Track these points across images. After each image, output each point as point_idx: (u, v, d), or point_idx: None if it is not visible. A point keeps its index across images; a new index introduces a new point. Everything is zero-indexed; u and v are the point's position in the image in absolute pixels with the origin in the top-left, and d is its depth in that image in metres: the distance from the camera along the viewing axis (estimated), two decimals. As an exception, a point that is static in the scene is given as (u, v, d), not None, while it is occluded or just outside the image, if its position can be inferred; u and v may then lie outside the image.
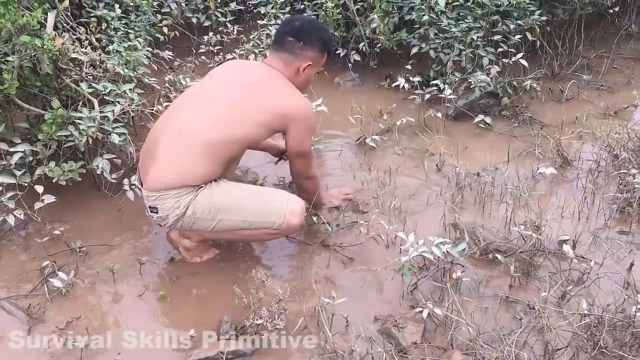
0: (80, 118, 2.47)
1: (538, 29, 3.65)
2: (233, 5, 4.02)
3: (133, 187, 2.50)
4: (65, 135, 2.46)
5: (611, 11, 4.09)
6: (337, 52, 3.91)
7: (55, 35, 2.59)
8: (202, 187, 2.14)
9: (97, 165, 2.51)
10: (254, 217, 2.16)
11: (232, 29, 3.91)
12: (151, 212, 2.17)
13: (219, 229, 2.17)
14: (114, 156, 2.58)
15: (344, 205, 2.66)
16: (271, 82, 2.26)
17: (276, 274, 2.27)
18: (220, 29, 3.98)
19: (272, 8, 3.85)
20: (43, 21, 2.64)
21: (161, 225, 2.25)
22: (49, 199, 2.32)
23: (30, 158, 2.44)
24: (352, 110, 3.30)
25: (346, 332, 2.01)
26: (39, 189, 2.31)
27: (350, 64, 3.87)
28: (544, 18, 3.64)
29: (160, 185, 2.11)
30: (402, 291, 2.16)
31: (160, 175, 2.11)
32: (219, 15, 3.99)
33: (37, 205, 2.30)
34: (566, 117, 3.37)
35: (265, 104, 2.19)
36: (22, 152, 2.40)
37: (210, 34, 3.85)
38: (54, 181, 2.43)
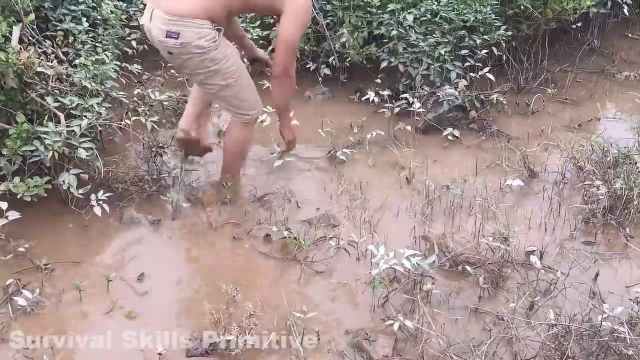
0: (46, 132, 2.43)
1: (504, 44, 3.72)
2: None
3: (100, 202, 2.46)
4: (30, 150, 2.42)
5: (574, 26, 4.19)
6: (307, 66, 3.93)
7: (21, 48, 2.56)
8: (221, 31, 2.37)
9: (63, 181, 2.46)
10: (245, 103, 2.57)
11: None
12: (167, 36, 2.28)
13: (217, 88, 2.46)
14: (81, 171, 2.54)
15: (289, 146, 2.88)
16: None
17: (247, 289, 2.25)
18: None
19: (243, 22, 3.85)
20: (8, 35, 2.61)
21: (170, 54, 2.38)
22: (13, 215, 2.27)
23: (-6, 173, 2.39)
24: (323, 123, 3.32)
25: (317, 346, 2.00)
26: (3, 205, 2.26)
27: (320, 78, 3.89)
28: (509, 33, 3.72)
29: (185, 11, 2.26)
30: (373, 304, 2.17)
31: (187, 2, 2.26)
32: (189, 29, 3.97)
33: (1, 222, 2.25)
34: (532, 130, 3.44)
35: None
36: (-15, 167, 2.35)
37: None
38: (18, 197, 2.38)
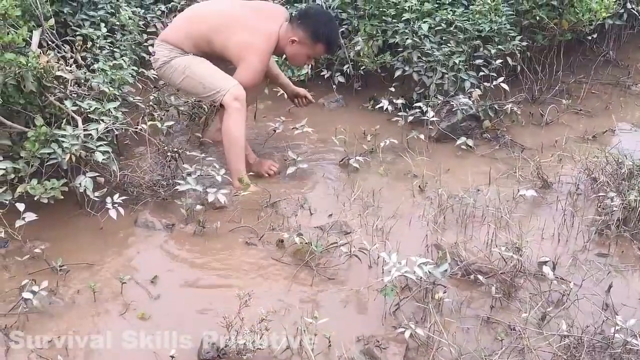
0: (63, 136, 2.47)
1: (519, 54, 3.72)
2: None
3: (116, 205, 2.49)
4: (48, 153, 2.45)
5: (590, 38, 4.19)
6: (322, 73, 3.95)
7: (40, 53, 2.60)
8: (188, 54, 2.98)
9: (79, 183, 2.49)
10: (208, 82, 2.93)
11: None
12: (152, 54, 3.05)
13: (184, 85, 3.00)
14: (97, 174, 2.57)
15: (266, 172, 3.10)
16: (263, 34, 2.93)
17: (259, 294, 2.26)
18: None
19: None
20: (28, 39, 2.65)
21: (154, 70, 3.16)
22: (30, 217, 2.30)
23: (12, 176, 2.42)
24: (336, 131, 3.33)
25: (329, 353, 2.00)
26: (20, 206, 2.30)
27: (334, 86, 3.91)
28: (524, 43, 3.72)
29: (163, 37, 3.02)
30: (385, 311, 2.17)
31: (168, 33, 3.03)
32: (205, 36, 4.00)
33: (18, 223, 2.28)
34: (546, 141, 3.43)
35: (238, 39, 2.89)
36: (3, 169, 2.38)
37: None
38: (35, 199, 2.42)
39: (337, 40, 3.25)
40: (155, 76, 3.46)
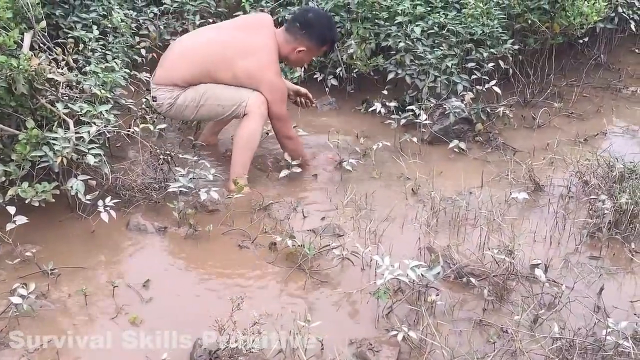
0: (55, 138, 2.45)
1: (510, 57, 3.74)
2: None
3: (107, 208, 2.48)
4: (39, 156, 2.44)
5: (581, 41, 4.21)
6: (315, 76, 3.95)
7: (32, 55, 2.58)
8: (188, 87, 2.93)
9: (71, 186, 2.48)
10: (226, 101, 2.89)
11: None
12: (153, 100, 2.98)
13: (200, 114, 2.97)
14: (89, 177, 2.56)
15: (332, 166, 3.15)
16: (262, 48, 2.91)
17: (252, 297, 2.25)
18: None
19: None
20: (19, 41, 2.64)
21: (159, 113, 3.06)
22: (21, 220, 2.29)
23: (3, 178, 2.41)
24: (329, 134, 3.33)
25: (321, 356, 2.00)
26: (11, 209, 2.28)
27: (327, 88, 3.91)
28: (516, 47, 3.74)
29: (160, 80, 2.95)
30: (378, 314, 2.17)
31: (162, 75, 2.96)
32: (198, 38, 4.00)
33: (9, 226, 2.27)
34: (538, 144, 3.44)
35: (245, 65, 2.88)
36: (-6, 172, 2.37)
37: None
38: (26, 202, 2.40)
39: (338, 37, 3.34)
40: (148, 78, 3.46)
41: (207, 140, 3.32)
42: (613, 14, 4.20)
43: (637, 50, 4.85)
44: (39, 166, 2.46)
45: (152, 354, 1.98)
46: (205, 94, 2.91)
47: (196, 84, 2.94)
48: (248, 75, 2.90)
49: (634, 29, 4.32)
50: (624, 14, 4.22)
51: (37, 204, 2.42)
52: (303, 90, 3.41)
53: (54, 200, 2.47)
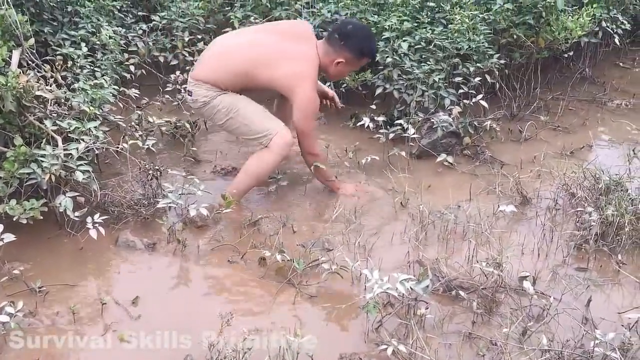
0: (43, 155, 2.45)
1: (497, 72, 3.78)
2: (200, 45, 4.05)
3: (96, 225, 2.47)
4: (27, 173, 2.44)
5: (566, 55, 4.27)
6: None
7: (20, 72, 2.59)
8: (227, 92, 2.90)
9: (59, 203, 2.47)
10: (254, 124, 2.87)
11: (199, 68, 3.93)
12: (188, 94, 2.96)
13: (228, 125, 2.93)
14: (77, 194, 2.55)
15: (359, 196, 3.07)
16: (305, 59, 2.88)
17: (241, 313, 2.25)
18: (187, 67, 4.00)
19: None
20: (8, 59, 2.64)
21: (191, 107, 3.06)
22: (9, 237, 2.27)
23: (-10, 196, 2.40)
24: (318, 148, 3.34)
25: (311, 371, 2.00)
26: (-1, 227, 2.27)
27: (316, 104, 3.93)
28: (502, 61, 3.78)
29: (199, 76, 2.90)
30: (367, 328, 2.17)
31: (201, 71, 2.92)
32: (187, 55, 4.02)
33: (-4, 244, 2.26)
34: (525, 157, 3.47)
35: (285, 70, 2.84)
36: (-18, 189, 2.36)
37: (177, 72, 3.87)
38: (14, 219, 2.39)
39: (376, 50, 3.37)
40: (137, 95, 3.47)
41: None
42: (597, 29, 4.26)
43: (621, 64, 4.93)
44: (27, 183, 2.46)
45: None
46: (238, 109, 2.88)
47: (237, 89, 2.92)
48: (286, 80, 2.85)
49: (617, 43, 4.39)
50: (607, 29, 4.28)
51: (25, 222, 2.41)
52: (331, 92, 3.45)
53: (42, 217, 2.47)
